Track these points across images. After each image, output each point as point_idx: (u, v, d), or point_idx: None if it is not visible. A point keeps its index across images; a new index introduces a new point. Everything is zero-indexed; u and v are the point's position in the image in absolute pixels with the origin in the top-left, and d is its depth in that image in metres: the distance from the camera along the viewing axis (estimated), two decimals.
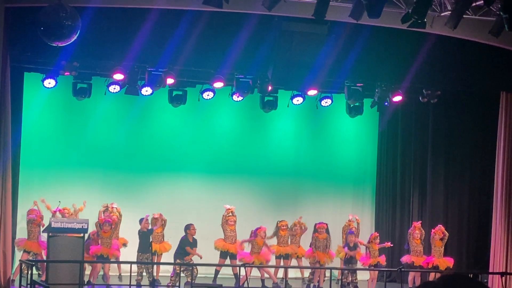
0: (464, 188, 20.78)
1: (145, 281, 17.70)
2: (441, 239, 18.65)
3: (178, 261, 17.61)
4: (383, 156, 22.36)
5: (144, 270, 17.68)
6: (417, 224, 19.02)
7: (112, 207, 18.33)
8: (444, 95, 19.17)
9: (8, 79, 16.27)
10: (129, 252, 18.53)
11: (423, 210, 21.13)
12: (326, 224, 18.87)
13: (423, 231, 18.82)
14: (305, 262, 19.32)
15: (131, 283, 14.99)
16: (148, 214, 18.33)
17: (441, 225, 19.00)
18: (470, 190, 20.74)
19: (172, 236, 18.68)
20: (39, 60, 17.40)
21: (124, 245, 18.40)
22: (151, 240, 18.07)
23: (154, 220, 18.37)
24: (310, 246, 18.87)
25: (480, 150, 20.49)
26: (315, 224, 18.85)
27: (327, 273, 19.22)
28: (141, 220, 18.21)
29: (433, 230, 18.76)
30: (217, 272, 18.23)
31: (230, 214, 18.49)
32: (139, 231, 18.00)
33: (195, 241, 18.20)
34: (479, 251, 20.24)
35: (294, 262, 19.24)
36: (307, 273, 19.76)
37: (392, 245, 19.41)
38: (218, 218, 18.71)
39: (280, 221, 18.96)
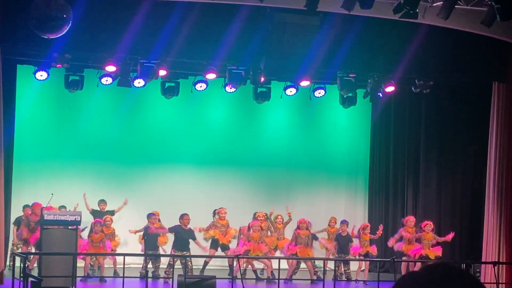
0: (457, 178, 20.82)
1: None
2: (432, 231, 18.64)
3: (173, 252, 17.58)
4: (376, 147, 22.40)
5: (150, 263, 17.69)
6: (412, 217, 19.08)
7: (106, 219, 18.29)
8: (436, 85, 19.17)
9: (0, 71, 16.23)
10: (125, 246, 18.55)
11: (416, 200, 21.17)
12: (308, 222, 18.76)
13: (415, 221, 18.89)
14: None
15: (125, 275, 14.97)
16: (155, 212, 18.25)
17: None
18: (463, 180, 20.78)
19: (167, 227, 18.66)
20: (31, 52, 17.34)
21: (114, 249, 18.31)
22: (160, 235, 18.11)
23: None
24: (291, 241, 18.75)
25: (473, 140, 20.51)
26: (298, 221, 18.77)
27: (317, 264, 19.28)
28: (149, 216, 18.17)
29: (423, 224, 18.74)
30: (206, 263, 18.18)
31: (221, 214, 18.45)
32: (146, 227, 17.99)
33: (191, 231, 18.10)
34: (472, 241, 20.28)
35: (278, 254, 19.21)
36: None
37: (381, 231, 19.37)
38: (211, 209, 18.71)
39: (257, 212, 18.90)
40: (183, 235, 17.89)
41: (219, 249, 18.47)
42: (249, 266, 18.64)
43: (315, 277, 18.40)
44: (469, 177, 20.76)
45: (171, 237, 18.27)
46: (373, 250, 18.84)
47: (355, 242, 19.09)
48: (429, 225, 18.59)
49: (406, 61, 17.94)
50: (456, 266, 2.12)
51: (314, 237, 18.71)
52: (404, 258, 18.42)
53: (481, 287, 2.08)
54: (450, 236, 18.62)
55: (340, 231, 19.01)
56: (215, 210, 18.57)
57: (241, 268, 16.31)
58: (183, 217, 18.15)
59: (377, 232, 19.12)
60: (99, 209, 19.12)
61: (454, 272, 2.08)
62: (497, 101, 18.83)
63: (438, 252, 18.57)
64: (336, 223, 19.86)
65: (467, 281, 2.07)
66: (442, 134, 20.85)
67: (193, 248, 18.03)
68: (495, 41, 17.67)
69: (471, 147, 20.60)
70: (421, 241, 18.49)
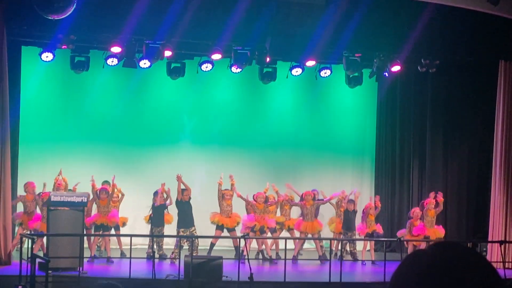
0: (463, 158, 20.80)
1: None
2: (435, 207, 18.60)
3: (181, 232, 17.58)
4: (382, 126, 22.36)
5: (155, 244, 17.71)
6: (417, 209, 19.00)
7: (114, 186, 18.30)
8: (442, 64, 19.11)
9: (5, 53, 16.22)
10: (130, 227, 18.58)
11: (422, 179, 21.16)
12: (314, 193, 18.77)
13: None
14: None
15: (132, 256, 15.00)
16: (160, 188, 18.23)
17: (432, 194, 18.96)
18: (469, 159, 20.75)
19: (172, 207, 18.67)
20: (36, 34, 17.34)
21: (124, 223, 18.40)
22: (165, 212, 18.13)
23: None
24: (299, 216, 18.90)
25: (479, 119, 20.47)
26: (303, 193, 18.81)
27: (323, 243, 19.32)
28: (155, 193, 18.20)
29: (425, 202, 18.72)
30: (212, 245, 18.18)
31: (227, 188, 18.44)
32: (153, 205, 18.03)
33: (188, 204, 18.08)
34: (479, 220, 20.28)
35: (286, 234, 19.25)
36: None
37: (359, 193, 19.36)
38: (217, 189, 18.70)
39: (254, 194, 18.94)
40: (185, 209, 17.84)
41: (225, 230, 18.47)
42: (260, 244, 18.64)
43: (321, 254, 18.45)
44: (475, 156, 20.73)
45: (175, 216, 18.25)
46: (379, 229, 18.83)
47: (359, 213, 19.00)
48: (431, 202, 18.58)
49: (412, 41, 17.88)
50: (463, 244, 2.11)
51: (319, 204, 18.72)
52: (410, 234, 18.42)
53: (488, 264, 2.07)
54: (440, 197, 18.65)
55: (347, 208, 18.98)
56: (222, 191, 18.54)
57: (248, 249, 16.32)
58: (184, 192, 18.10)
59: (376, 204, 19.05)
60: (109, 191, 19.05)
61: (461, 250, 2.07)
62: (503, 79, 18.78)
63: (440, 232, 18.56)
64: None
65: (474, 259, 2.06)
66: (448, 113, 20.81)
67: (199, 228, 18.04)
68: (502, 19, 17.59)
69: (477, 126, 20.56)
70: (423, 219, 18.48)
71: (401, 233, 18.72)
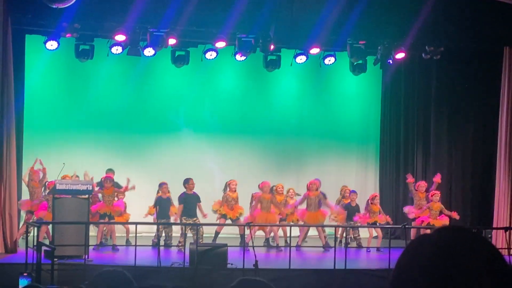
0: (467, 145, 20.76)
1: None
2: (439, 201, 18.60)
3: (184, 220, 17.60)
4: (386, 114, 22.34)
5: (163, 231, 17.72)
6: (423, 182, 19.07)
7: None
8: (447, 51, 19.07)
9: (10, 41, 16.22)
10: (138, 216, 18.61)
11: (427, 167, 21.14)
12: (318, 181, 18.73)
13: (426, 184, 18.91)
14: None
15: (137, 244, 15.02)
16: (166, 182, 18.21)
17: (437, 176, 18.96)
18: (473, 147, 20.72)
19: (177, 197, 18.67)
20: (40, 22, 17.33)
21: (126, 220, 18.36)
22: (170, 204, 18.12)
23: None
24: (300, 202, 18.85)
25: (484, 106, 20.42)
26: (308, 183, 18.72)
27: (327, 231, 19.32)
28: (160, 185, 18.17)
29: (430, 194, 18.68)
30: (217, 233, 18.18)
31: (231, 186, 18.37)
32: (160, 197, 18.01)
33: (196, 195, 18.03)
34: (483, 207, 20.27)
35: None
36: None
37: (391, 221, 19.28)
38: (222, 178, 18.72)
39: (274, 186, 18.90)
40: (189, 201, 17.84)
41: (228, 221, 18.46)
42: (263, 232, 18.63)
43: (324, 243, 18.45)
44: (480, 144, 20.69)
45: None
46: (381, 219, 18.72)
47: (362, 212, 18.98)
48: (436, 195, 18.56)
49: (416, 28, 17.85)
50: (468, 229, 2.11)
51: (324, 196, 18.68)
52: (413, 224, 18.42)
53: (493, 248, 2.08)
54: (454, 214, 18.58)
55: (350, 201, 18.98)
56: (226, 182, 18.52)
57: (252, 237, 16.34)
58: (188, 181, 18.06)
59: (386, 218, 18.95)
60: (113, 179, 19.01)
61: (466, 234, 2.08)
62: (508, 65, 18.75)
63: (445, 222, 18.55)
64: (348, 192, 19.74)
65: (479, 243, 2.07)
66: (452, 100, 20.77)
67: (201, 216, 18.04)
68: (506, 5, 17.54)
69: (482, 113, 20.52)
70: (428, 211, 18.47)
71: (408, 208, 18.73)
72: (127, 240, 18.18)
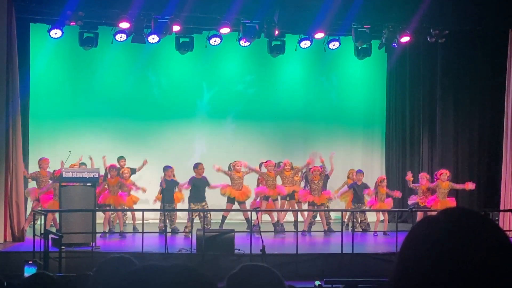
0: (474, 128, 20.73)
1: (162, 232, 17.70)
2: (448, 179, 18.49)
3: (192, 205, 17.61)
4: (391, 98, 22.32)
5: (168, 219, 17.73)
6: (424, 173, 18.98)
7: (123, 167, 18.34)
8: (452, 34, 19.02)
9: (15, 30, 16.23)
10: (146, 203, 18.64)
11: (433, 151, 21.12)
12: (321, 169, 18.69)
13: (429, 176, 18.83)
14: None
15: (144, 231, 15.05)
16: (172, 166, 18.24)
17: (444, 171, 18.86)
18: (479, 130, 20.68)
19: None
20: (44, 11, 17.33)
21: (135, 203, 18.33)
22: (175, 190, 18.13)
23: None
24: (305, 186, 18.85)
25: (489, 89, 20.38)
26: (311, 169, 18.68)
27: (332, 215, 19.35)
28: (165, 168, 18.18)
29: (439, 172, 18.59)
30: (224, 218, 18.18)
31: (236, 167, 18.37)
32: (164, 180, 18.03)
33: (204, 179, 18.03)
34: (490, 190, 20.25)
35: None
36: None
37: (401, 195, 19.23)
38: (228, 163, 18.69)
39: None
40: (198, 185, 17.85)
41: (236, 204, 18.48)
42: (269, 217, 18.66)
43: (326, 228, 18.47)
44: (486, 127, 20.65)
45: (186, 193, 18.25)
46: (388, 204, 18.66)
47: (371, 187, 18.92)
48: (444, 173, 18.40)
49: (421, 11, 17.78)
50: (475, 211, 2.10)
51: (326, 178, 18.72)
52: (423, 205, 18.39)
53: (499, 230, 2.07)
54: (468, 184, 18.43)
55: (356, 181, 18.97)
56: (230, 163, 18.56)
57: (260, 223, 16.37)
58: (198, 166, 18.09)
59: (394, 193, 18.88)
60: (118, 166, 19.03)
61: (472, 215, 2.07)
62: None
63: (452, 204, 18.48)
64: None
65: (485, 224, 2.06)
66: (458, 84, 20.72)
67: (210, 201, 18.06)
68: None
69: (488, 96, 20.48)
70: (436, 191, 18.37)
71: (412, 199, 18.70)
72: (134, 227, 18.22)
